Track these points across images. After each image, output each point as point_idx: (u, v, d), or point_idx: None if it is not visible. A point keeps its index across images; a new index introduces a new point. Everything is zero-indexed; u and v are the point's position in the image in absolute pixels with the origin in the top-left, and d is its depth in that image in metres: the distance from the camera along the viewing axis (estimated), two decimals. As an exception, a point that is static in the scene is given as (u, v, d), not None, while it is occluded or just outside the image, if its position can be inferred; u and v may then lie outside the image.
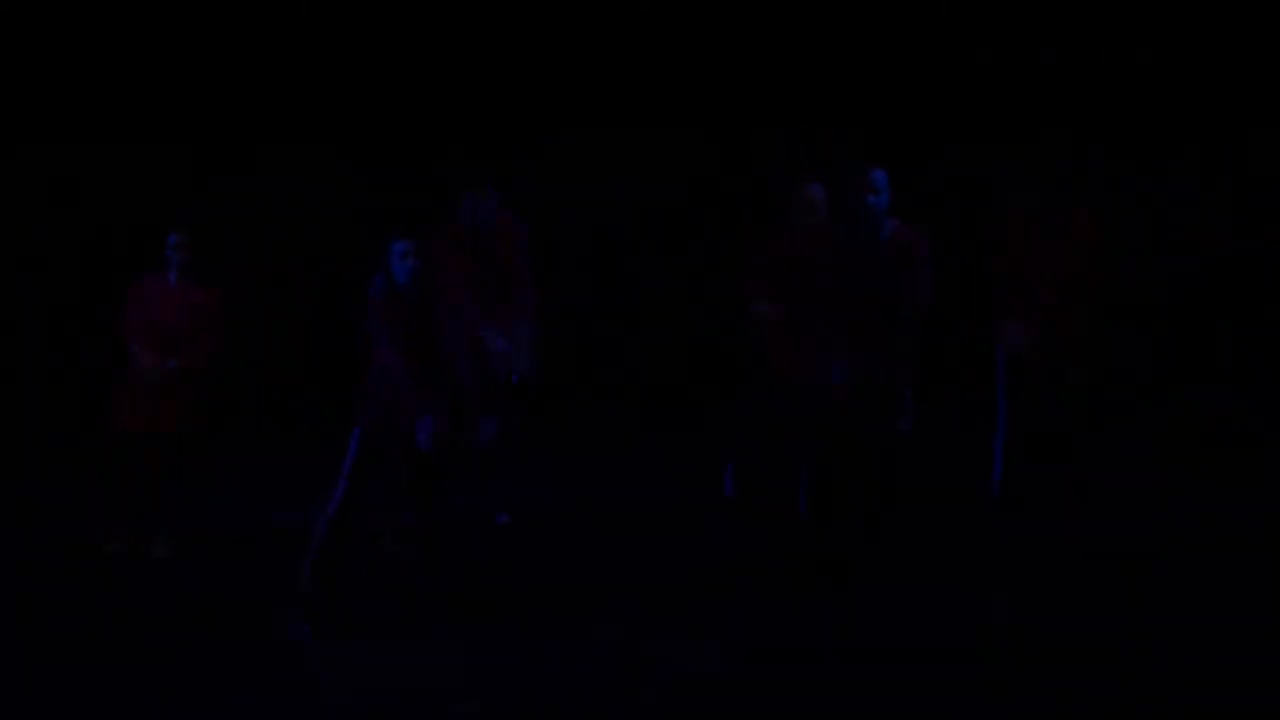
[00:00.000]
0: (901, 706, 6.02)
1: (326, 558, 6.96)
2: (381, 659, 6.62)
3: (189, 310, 8.32)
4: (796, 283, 7.97)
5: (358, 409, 7.04)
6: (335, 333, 8.41)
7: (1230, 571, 7.48)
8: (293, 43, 12.06)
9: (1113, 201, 8.77)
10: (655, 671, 6.36)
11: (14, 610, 7.44)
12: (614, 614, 7.17)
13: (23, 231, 11.94)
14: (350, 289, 7.98)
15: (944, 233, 7.97)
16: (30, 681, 6.42)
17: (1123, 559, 7.71)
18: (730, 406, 9.04)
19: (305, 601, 6.91)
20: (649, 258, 12.37)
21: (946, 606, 7.16)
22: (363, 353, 7.21)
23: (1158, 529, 8.21)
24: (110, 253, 11.50)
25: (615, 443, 11.26)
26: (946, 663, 6.46)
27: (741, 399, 8.80)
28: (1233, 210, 11.69)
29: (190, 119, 12.00)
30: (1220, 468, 9.32)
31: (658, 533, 8.68)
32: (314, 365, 11.71)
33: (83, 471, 8.75)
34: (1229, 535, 8.09)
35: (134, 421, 8.24)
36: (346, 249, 11.33)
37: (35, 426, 11.20)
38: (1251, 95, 11.79)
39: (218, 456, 9.06)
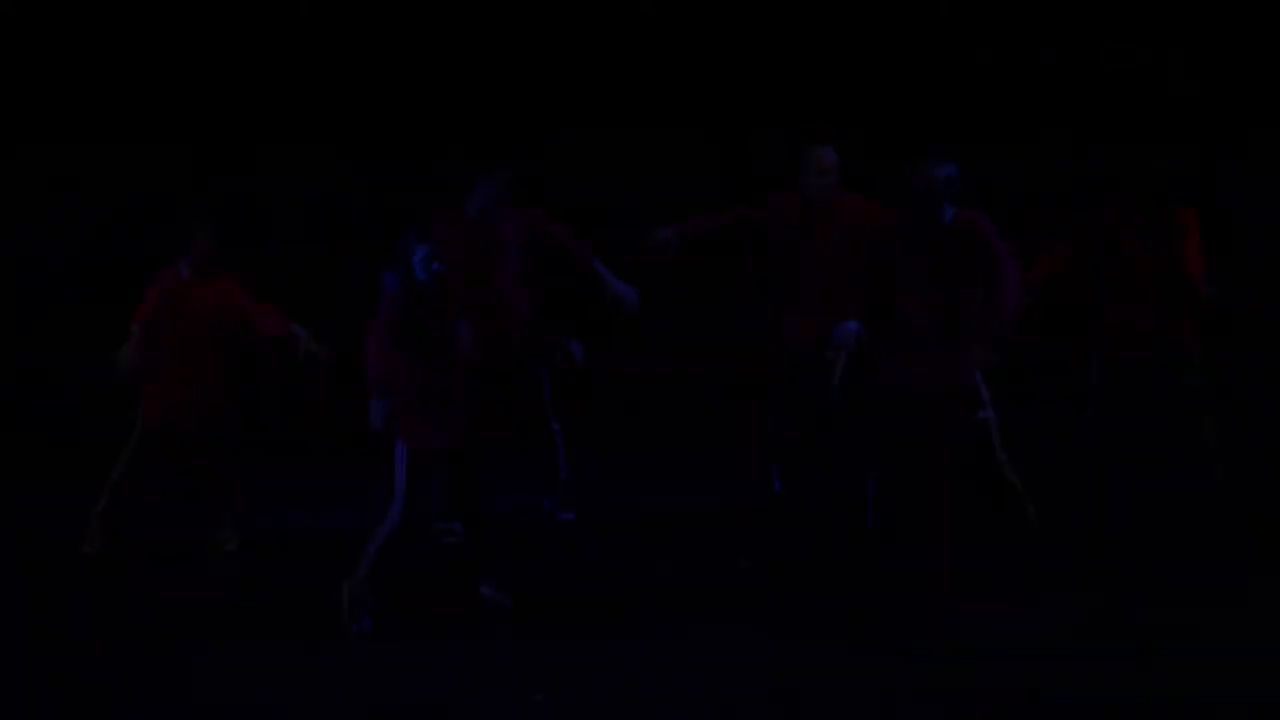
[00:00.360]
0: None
1: (382, 566, 7.05)
2: (435, 657, 6.78)
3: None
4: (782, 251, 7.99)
5: (393, 424, 7.01)
6: (336, 333, 8.36)
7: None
8: (292, 42, 12.07)
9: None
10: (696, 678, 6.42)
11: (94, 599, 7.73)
12: (659, 616, 7.27)
13: (20, 231, 11.95)
14: (351, 288, 8.00)
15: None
16: (120, 665, 6.74)
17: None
18: (765, 404, 8.81)
19: (361, 601, 6.98)
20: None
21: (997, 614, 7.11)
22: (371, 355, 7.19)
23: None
24: (110, 252, 11.55)
25: (662, 443, 11.00)
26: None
27: (776, 396, 8.57)
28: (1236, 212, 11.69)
29: (189, 119, 12.02)
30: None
31: (706, 535, 8.64)
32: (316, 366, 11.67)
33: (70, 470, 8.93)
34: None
35: (167, 419, 8.27)
36: (345, 250, 11.34)
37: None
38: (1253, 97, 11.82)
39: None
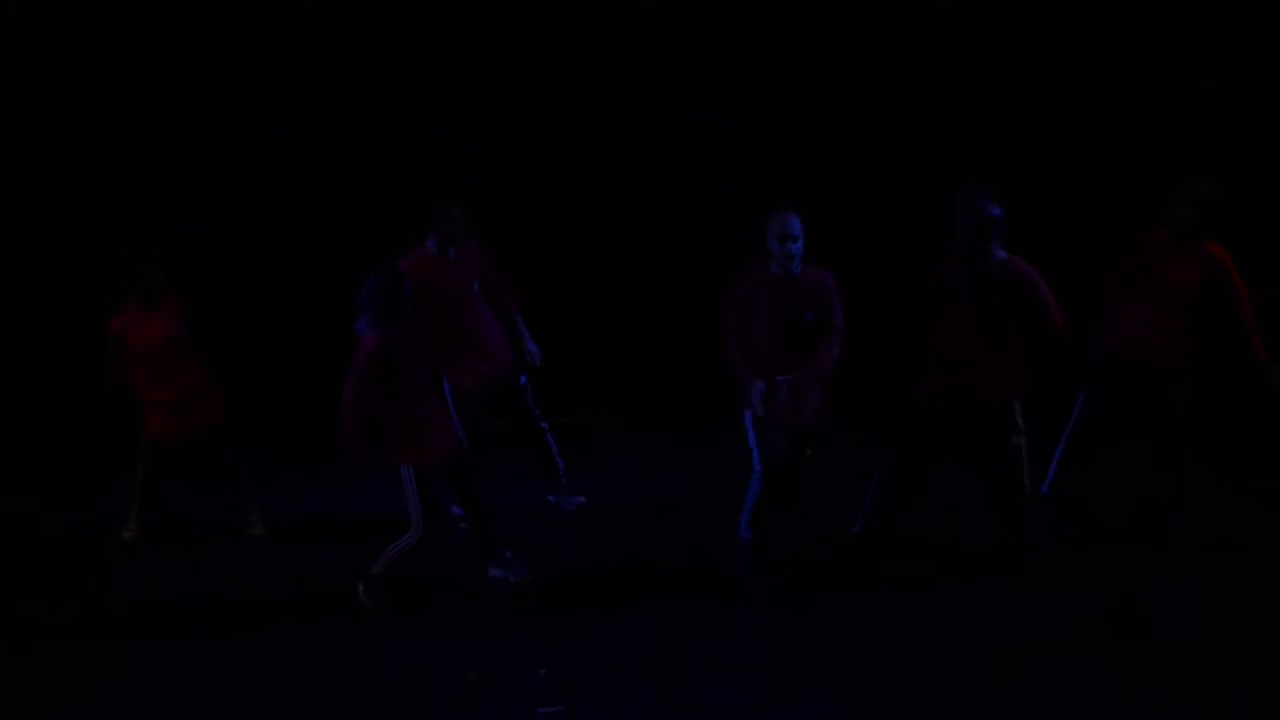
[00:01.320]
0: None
1: (397, 570, 7.82)
2: (447, 635, 7.49)
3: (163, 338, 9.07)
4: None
5: (399, 450, 7.65)
6: (334, 333, 8.47)
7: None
8: (293, 41, 12.11)
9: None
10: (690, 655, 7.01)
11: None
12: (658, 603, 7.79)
13: (16, 230, 11.98)
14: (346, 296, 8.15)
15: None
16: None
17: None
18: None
19: (377, 591, 7.77)
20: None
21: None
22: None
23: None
24: (108, 252, 11.57)
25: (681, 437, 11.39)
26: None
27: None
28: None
29: (189, 119, 12.06)
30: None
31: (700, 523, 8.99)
32: (313, 365, 11.71)
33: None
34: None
35: (173, 427, 9.09)
36: (345, 250, 11.37)
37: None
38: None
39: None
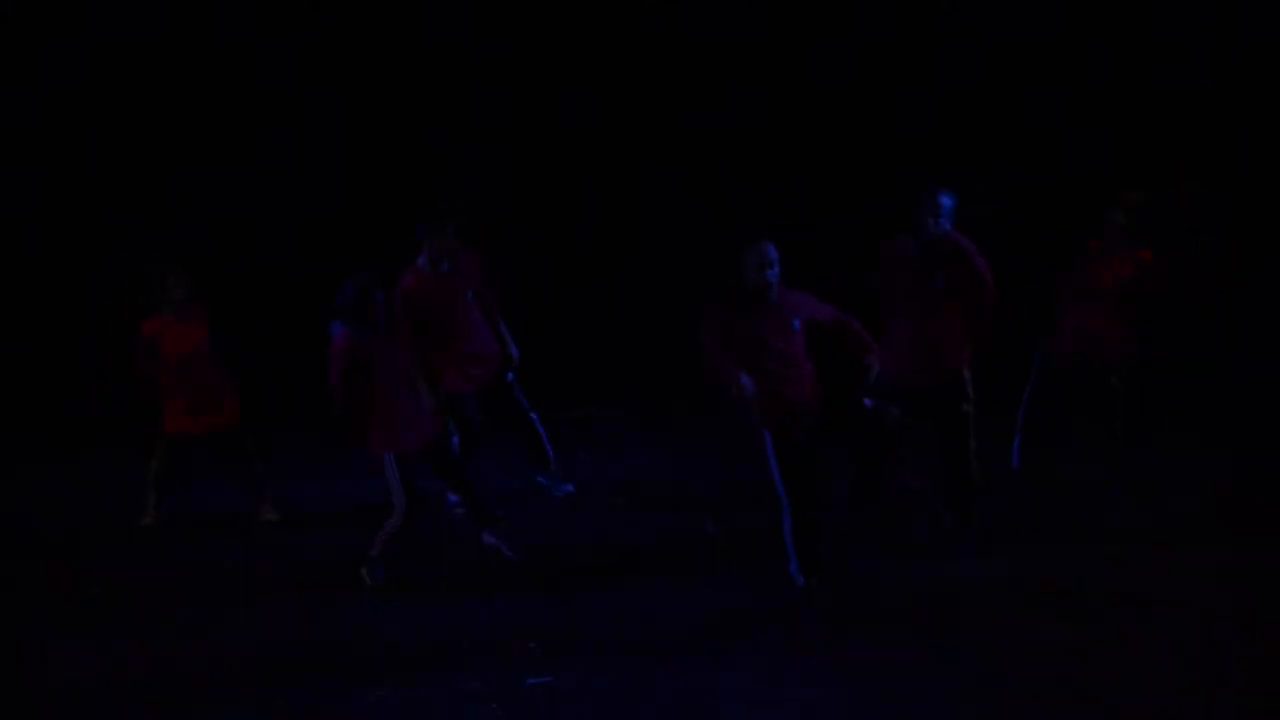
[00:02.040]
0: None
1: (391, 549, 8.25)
2: (440, 610, 7.83)
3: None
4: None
5: (378, 440, 8.13)
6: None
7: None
8: (293, 41, 12.13)
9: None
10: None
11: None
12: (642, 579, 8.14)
13: (16, 230, 12.01)
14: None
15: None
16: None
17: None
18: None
19: (376, 568, 8.21)
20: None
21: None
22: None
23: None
24: (107, 252, 11.60)
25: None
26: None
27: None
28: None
29: (189, 119, 12.08)
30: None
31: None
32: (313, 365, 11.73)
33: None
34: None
35: (191, 426, 9.46)
36: (345, 250, 11.39)
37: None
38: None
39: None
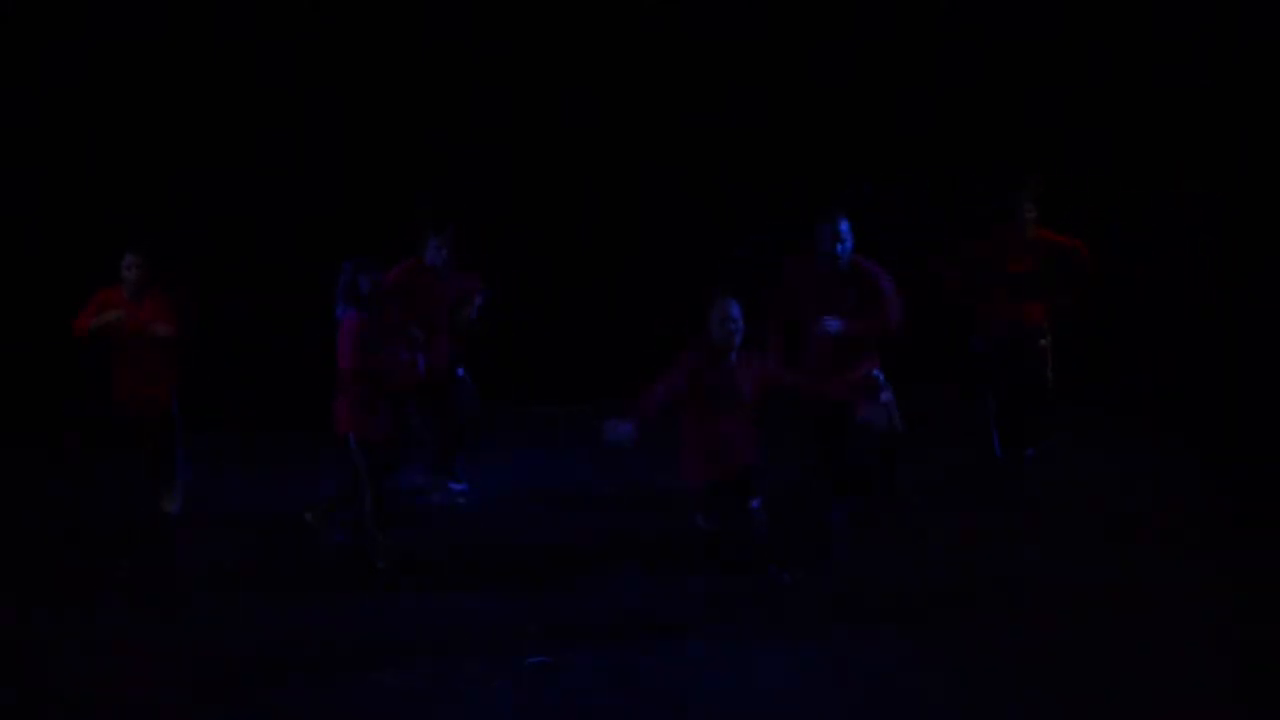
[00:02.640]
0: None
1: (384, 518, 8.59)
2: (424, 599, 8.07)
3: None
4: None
5: (353, 426, 8.51)
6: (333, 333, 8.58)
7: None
8: (293, 41, 12.14)
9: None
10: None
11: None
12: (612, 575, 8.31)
13: (16, 230, 12.00)
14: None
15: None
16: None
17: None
18: None
19: (384, 547, 8.52)
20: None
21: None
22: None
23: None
24: (107, 252, 11.58)
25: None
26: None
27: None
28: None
29: (189, 119, 12.08)
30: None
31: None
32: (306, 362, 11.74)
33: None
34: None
35: (128, 402, 9.48)
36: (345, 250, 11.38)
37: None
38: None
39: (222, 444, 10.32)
